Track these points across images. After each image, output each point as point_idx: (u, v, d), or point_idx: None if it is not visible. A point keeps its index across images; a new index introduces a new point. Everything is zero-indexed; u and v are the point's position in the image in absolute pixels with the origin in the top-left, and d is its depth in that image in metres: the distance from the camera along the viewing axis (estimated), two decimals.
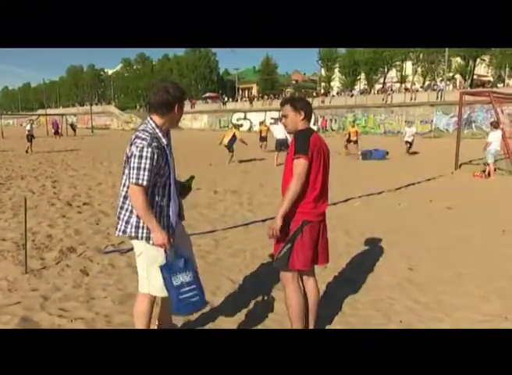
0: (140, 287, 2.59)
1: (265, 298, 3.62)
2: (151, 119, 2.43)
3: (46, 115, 45.96)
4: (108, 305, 3.41)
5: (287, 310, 2.76)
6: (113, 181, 9.96)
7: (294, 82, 69.18)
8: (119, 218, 2.48)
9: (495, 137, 11.24)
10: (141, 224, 2.41)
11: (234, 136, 14.16)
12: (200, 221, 6.15)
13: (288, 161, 2.68)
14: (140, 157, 2.27)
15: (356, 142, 16.73)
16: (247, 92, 62.99)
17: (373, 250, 4.94)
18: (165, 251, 2.42)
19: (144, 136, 2.32)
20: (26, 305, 3.37)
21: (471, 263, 4.48)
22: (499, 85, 34.89)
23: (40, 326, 3.07)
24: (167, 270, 2.41)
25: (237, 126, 17.69)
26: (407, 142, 17.62)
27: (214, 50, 66.55)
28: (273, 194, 7.71)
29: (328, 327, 3.14)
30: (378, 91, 42.99)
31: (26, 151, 17.88)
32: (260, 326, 3.12)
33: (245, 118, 46.37)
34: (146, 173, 2.28)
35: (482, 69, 45.63)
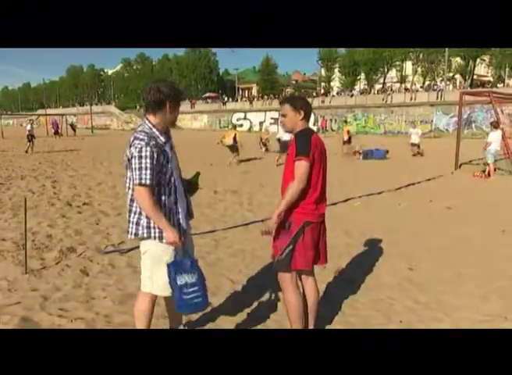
0: (143, 286, 2.59)
1: (265, 298, 3.62)
2: (147, 119, 2.45)
3: (46, 115, 45.95)
4: (108, 305, 3.41)
5: (286, 311, 2.77)
6: (113, 181, 9.96)
7: (294, 82, 69.21)
8: (129, 221, 2.48)
9: (495, 137, 11.24)
10: (152, 224, 2.41)
11: (235, 137, 14.15)
12: (200, 221, 6.14)
13: (288, 162, 2.66)
14: (140, 157, 2.29)
15: (347, 142, 16.72)
16: (246, 92, 63.00)
17: (373, 250, 4.94)
18: (175, 250, 2.43)
19: (141, 136, 2.34)
20: (26, 305, 3.37)
21: (471, 263, 4.48)
22: (499, 85, 34.92)
23: (40, 326, 3.07)
24: (174, 268, 2.42)
25: (235, 127, 17.62)
26: (414, 144, 16.81)
27: (214, 50, 66.69)
28: (273, 195, 7.70)
29: (328, 327, 3.14)
30: (378, 91, 43.01)
31: (26, 152, 17.88)
32: (260, 327, 3.12)
33: (245, 118, 46.37)
34: (148, 172, 2.29)
35: (482, 69, 45.65)
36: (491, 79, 41.58)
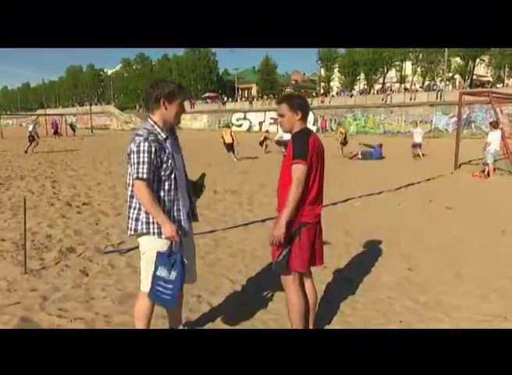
0: (142, 286, 2.60)
1: (265, 298, 3.62)
2: (149, 116, 2.51)
3: (45, 115, 45.95)
4: (107, 306, 3.41)
5: (288, 312, 2.75)
6: (113, 181, 9.96)
7: (294, 82, 69.24)
8: (128, 217, 2.51)
9: (494, 137, 11.24)
10: (151, 220, 2.43)
11: (232, 135, 14.46)
12: (200, 221, 6.12)
13: (285, 163, 2.63)
14: (138, 152, 2.33)
15: (342, 143, 16.73)
16: (246, 92, 63.00)
17: (373, 250, 4.95)
18: (170, 243, 2.44)
19: (141, 132, 2.40)
20: (26, 305, 3.37)
21: (471, 263, 4.49)
22: (498, 85, 34.94)
23: (40, 326, 3.06)
24: (159, 259, 2.45)
25: (229, 125, 17.81)
26: (417, 145, 16.12)
27: (213, 50, 66.65)
28: (273, 195, 7.63)
29: (327, 327, 3.14)
30: (377, 91, 43.03)
31: (26, 152, 17.89)
32: (259, 326, 3.12)
33: (245, 118, 46.37)
34: (145, 166, 2.33)
35: (482, 70, 45.68)
36: (490, 79, 41.62)
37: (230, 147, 14.92)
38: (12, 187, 9.09)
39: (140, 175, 2.33)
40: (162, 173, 2.42)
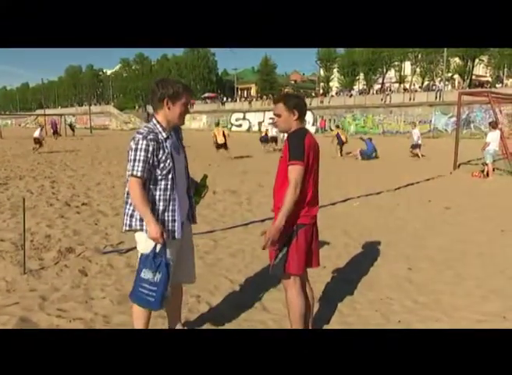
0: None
1: (264, 298, 3.62)
2: (153, 115, 2.53)
3: (44, 115, 45.89)
4: (106, 306, 3.41)
5: (288, 312, 2.74)
6: (112, 181, 9.95)
7: (293, 82, 69.26)
8: (124, 213, 2.53)
9: (493, 138, 11.25)
10: None
11: (224, 135, 15.02)
12: (199, 221, 6.10)
13: (281, 163, 2.61)
14: (136, 149, 2.36)
15: (338, 144, 16.83)
16: (245, 92, 63.01)
17: (372, 250, 4.95)
18: (155, 245, 2.43)
19: (142, 130, 2.43)
20: (25, 305, 3.37)
21: (470, 263, 4.49)
22: (497, 85, 34.96)
23: (39, 326, 3.06)
24: (143, 261, 2.45)
25: (218, 124, 18.11)
26: (417, 146, 16.19)
27: (213, 50, 66.67)
28: (272, 195, 7.67)
29: (326, 327, 3.14)
30: (376, 92, 43.05)
31: (33, 149, 18.33)
32: (259, 326, 3.11)
33: (244, 118, 46.37)
34: (140, 164, 2.35)
35: (481, 70, 45.72)
36: (489, 79, 41.63)
37: (222, 146, 15.25)
38: (11, 187, 9.08)
39: (135, 172, 2.36)
40: (159, 173, 2.43)
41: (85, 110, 57.29)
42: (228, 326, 3.14)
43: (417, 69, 45.25)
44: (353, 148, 16.79)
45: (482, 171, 11.37)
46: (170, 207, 2.48)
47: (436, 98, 33.74)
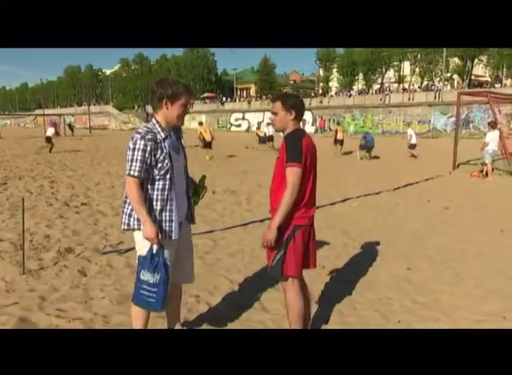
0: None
1: (264, 298, 3.62)
2: (153, 115, 2.54)
3: (44, 115, 45.86)
4: (106, 306, 3.40)
5: (287, 313, 2.73)
6: (111, 181, 9.95)
7: (292, 82, 69.26)
8: (122, 212, 2.54)
9: (492, 138, 11.26)
10: None
11: (211, 133, 15.48)
12: (198, 221, 6.10)
13: (278, 165, 2.60)
14: (133, 149, 2.37)
15: (340, 142, 16.87)
16: (245, 92, 62.99)
17: (371, 250, 4.95)
18: (151, 245, 2.43)
19: (140, 130, 2.43)
20: (24, 305, 3.36)
21: (470, 263, 4.49)
22: (496, 85, 34.97)
23: (38, 326, 3.05)
24: (141, 262, 2.45)
25: (202, 123, 18.51)
26: (413, 145, 16.24)
27: (212, 50, 66.62)
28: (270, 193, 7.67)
29: (326, 327, 3.14)
30: (376, 92, 43.06)
31: (50, 151, 18.34)
32: (258, 326, 3.11)
33: (243, 118, 46.36)
34: (137, 164, 2.36)
35: (480, 70, 45.73)
36: (488, 79, 41.65)
37: (208, 144, 15.48)
38: (10, 187, 9.07)
39: (132, 172, 2.37)
40: (157, 173, 2.43)
41: (84, 110, 57.27)
42: (227, 326, 3.13)
43: (417, 69, 45.25)
44: (352, 147, 16.81)
45: (481, 171, 11.39)
46: (168, 207, 2.48)
47: (435, 98, 33.75)
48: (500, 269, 4.29)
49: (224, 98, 54.65)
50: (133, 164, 2.36)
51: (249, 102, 49.41)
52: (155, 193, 2.46)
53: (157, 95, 2.44)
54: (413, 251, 4.91)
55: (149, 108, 46.08)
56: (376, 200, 8.01)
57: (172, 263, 2.52)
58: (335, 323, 3.21)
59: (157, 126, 2.46)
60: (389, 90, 41.67)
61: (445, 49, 37.57)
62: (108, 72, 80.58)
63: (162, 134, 2.45)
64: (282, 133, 2.69)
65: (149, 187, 2.45)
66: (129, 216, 2.49)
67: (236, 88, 61.29)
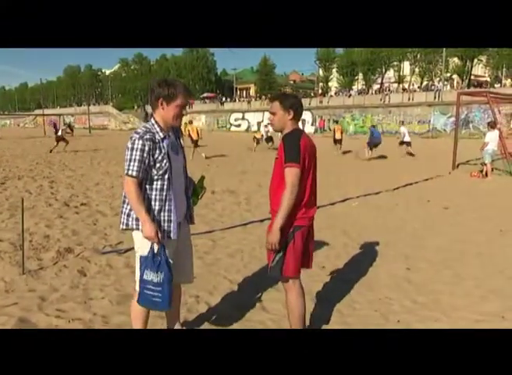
0: (137, 285, 2.59)
1: (263, 298, 3.62)
2: (152, 115, 2.54)
3: (43, 115, 45.84)
4: (105, 306, 3.40)
5: (288, 313, 2.73)
6: (111, 182, 9.95)
7: (292, 82, 69.26)
8: (121, 212, 2.54)
9: (492, 138, 11.26)
10: None
11: (197, 132, 15.83)
12: (197, 221, 6.10)
13: (277, 165, 2.60)
14: (132, 149, 2.37)
15: (339, 141, 16.87)
16: (244, 92, 62.99)
17: (371, 250, 4.95)
18: (152, 245, 2.43)
19: (139, 130, 2.43)
20: (24, 305, 3.36)
21: (469, 263, 4.49)
22: (496, 85, 34.99)
23: (38, 326, 3.05)
24: (144, 262, 2.44)
25: (191, 122, 18.69)
26: (406, 143, 16.48)
27: (212, 50, 66.57)
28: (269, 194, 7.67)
29: (325, 327, 3.14)
30: (375, 92, 43.06)
31: (65, 151, 18.72)
32: (258, 326, 3.11)
33: (243, 118, 46.37)
34: (136, 164, 2.36)
35: (479, 70, 45.74)
36: (488, 79, 41.66)
37: (195, 143, 15.68)
38: (9, 188, 9.06)
39: (130, 172, 2.37)
40: (155, 173, 2.44)
41: (84, 110, 57.25)
42: (227, 326, 3.13)
43: (416, 69, 45.26)
44: (352, 147, 16.81)
45: (481, 171, 11.39)
46: (166, 207, 2.48)
47: (435, 98, 33.76)
48: (500, 269, 4.29)
49: (224, 98, 54.63)
50: (132, 164, 2.37)
51: (249, 102, 49.42)
52: (154, 193, 2.46)
53: (154, 95, 2.45)
54: (412, 251, 4.91)
55: (148, 108, 46.17)
56: (376, 200, 8.01)
57: (171, 263, 2.52)
58: (334, 323, 3.21)
59: (155, 126, 2.47)
60: (389, 90, 41.67)
61: (444, 49, 37.60)
62: (107, 72, 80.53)
63: (161, 134, 2.45)
64: (280, 134, 2.70)
65: (147, 187, 2.45)
66: (128, 215, 2.49)
67: (236, 88, 61.29)
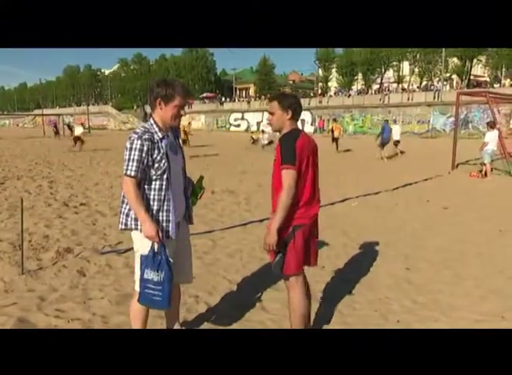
0: (137, 285, 2.59)
1: (263, 298, 3.62)
2: (151, 115, 2.54)
3: (43, 115, 45.82)
4: (105, 306, 3.40)
5: (290, 313, 2.72)
6: (110, 181, 9.94)
7: (291, 82, 69.27)
8: (120, 212, 2.54)
9: (491, 137, 11.27)
10: None
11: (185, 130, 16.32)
12: (197, 221, 6.10)
13: (275, 166, 2.60)
14: (130, 149, 2.37)
15: (336, 139, 16.90)
16: (244, 92, 63.00)
17: (370, 250, 4.95)
18: (152, 244, 2.43)
19: (137, 130, 2.43)
20: (23, 306, 3.36)
21: (469, 263, 4.50)
22: (495, 85, 35.02)
23: (37, 327, 3.05)
24: (144, 261, 2.45)
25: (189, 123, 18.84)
26: (397, 142, 16.48)
27: (211, 50, 66.53)
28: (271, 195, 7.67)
29: (326, 327, 3.14)
30: (375, 92, 43.08)
31: (80, 150, 18.89)
32: (257, 326, 3.11)
33: (242, 118, 46.37)
34: (134, 164, 2.37)
35: (479, 70, 45.76)
36: (487, 79, 41.70)
37: (183, 141, 15.69)
38: (8, 188, 9.06)
39: (128, 172, 2.38)
40: (153, 173, 2.44)
41: (83, 110, 57.21)
42: (226, 326, 3.13)
43: (416, 69, 45.28)
44: (352, 146, 16.81)
45: (480, 171, 11.40)
46: (165, 207, 2.48)
47: (434, 98, 33.78)
48: (500, 269, 4.29)
49: (223, 98, 54.62)
50: (130, 164, 2.37)
51: (248, 102, 49.42)
52: (152, 193, 2.46)
53: (153, 95, 2.46)
54: (412, 251, 4.91)
55: (148, 108, 46.15)
56: (375, 200, 8.01)
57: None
58: (334, 323, 3.21)
59: (154, 126, 2.47)
60: (389, 90, 41.70)
61: (444, 49, 37.61)
62: (107, 72, 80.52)
63: (159, 134, 2.45)
64: (278, 134, 2.70)
65: (146, 187, 2.45)
66: (127, 215, 2.49)
67: (236, 88, 61.29)
